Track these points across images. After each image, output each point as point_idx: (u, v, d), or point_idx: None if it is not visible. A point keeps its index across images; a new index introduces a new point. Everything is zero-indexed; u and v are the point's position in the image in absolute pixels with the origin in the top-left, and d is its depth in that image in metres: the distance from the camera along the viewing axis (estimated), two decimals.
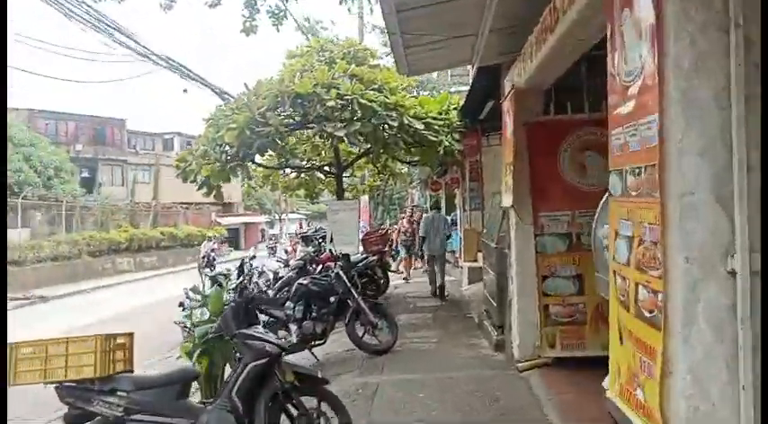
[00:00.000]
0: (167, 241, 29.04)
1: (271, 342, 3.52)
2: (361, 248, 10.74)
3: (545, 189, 5.11)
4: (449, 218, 13.99)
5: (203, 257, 18.59)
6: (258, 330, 3.67)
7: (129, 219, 27.96)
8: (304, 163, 9.82)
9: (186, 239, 31.31)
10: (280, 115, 6.56)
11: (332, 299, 6.51)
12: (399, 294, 11.15)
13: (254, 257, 11.20)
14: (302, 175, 11.12)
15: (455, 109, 8.20)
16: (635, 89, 2.07)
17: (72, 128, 33.12)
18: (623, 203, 2.22)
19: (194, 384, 5.58)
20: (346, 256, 8.97)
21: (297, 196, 12.01)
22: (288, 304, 6.54)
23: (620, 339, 2.26)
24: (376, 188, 18.16)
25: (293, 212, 45.42)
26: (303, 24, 20.96)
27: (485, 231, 8.32)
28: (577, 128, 5.10)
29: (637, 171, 2.06)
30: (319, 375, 3.69)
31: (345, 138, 6.56)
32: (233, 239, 39.06)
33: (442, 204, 18.21)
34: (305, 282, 6.60)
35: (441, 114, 7.81)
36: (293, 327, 6.42)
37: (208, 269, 16.55)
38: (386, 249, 11.29)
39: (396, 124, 6.53)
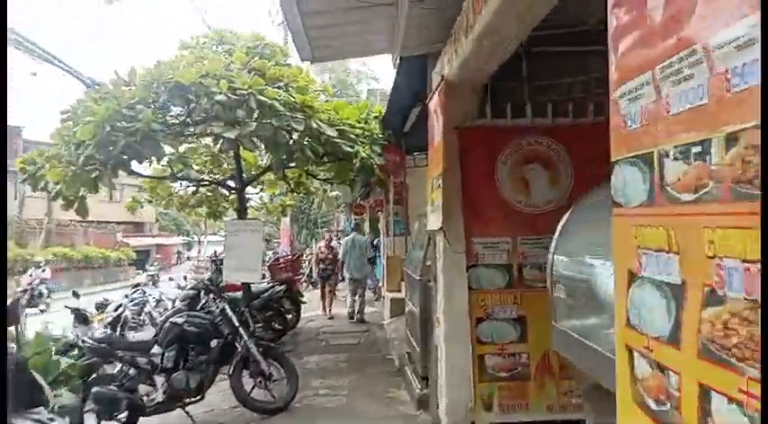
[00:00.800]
0: (61, 263, 25.97)
1: None
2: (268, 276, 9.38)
3: (480, 209, 4.10)
4: (372, 242, 12.97)
5: (25, 290, 14.14)
6: (40, 417, 2.28)
7: (15, 238, 24.65)
8: (204, 176, 8.36)
9: (84, 261, 28.32)
10: (156, 110, 5.19)
11: (213, 343, 5.11)
12: (312, 328, 9.81)
13: (137, 285, 9.49)
14: (201, 190, 9.63)
15: (376, 118, 7.16)
16: None
17: None
18: (653, 218, 1.15)
19: None
20: (246, 286, 7.62)
21: (198, 214, 10.39)
22: (155, 349, 5.08)
23: None
24: (295, 208, 16.77)
25: (214, 234, 42.72)
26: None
27: (407, 258, 7.27)
28: (518, 135, 4.17)
29: (696, 150, 1.00)
30: None
31: (239, 142, 5.30)
32: (142, 262, 35.96)
33: (366, 228, 17.21)
34: (179, 321, 5.17)
35: (359, 123, 6.72)
36: (160, 380, 4.96)
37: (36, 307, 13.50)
38: (297, 276, 9.96)
39: (301, 128, 5.34)
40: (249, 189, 10.34)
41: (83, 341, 5.17)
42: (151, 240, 40.10)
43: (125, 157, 5.48)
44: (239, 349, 5.17)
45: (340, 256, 11.44)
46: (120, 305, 9.03)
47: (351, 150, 6.06)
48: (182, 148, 7.51)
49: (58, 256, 25.96)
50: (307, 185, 9.58)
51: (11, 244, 23.49)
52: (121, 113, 5.19)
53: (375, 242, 14.03)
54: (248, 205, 10.49)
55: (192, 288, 8.46)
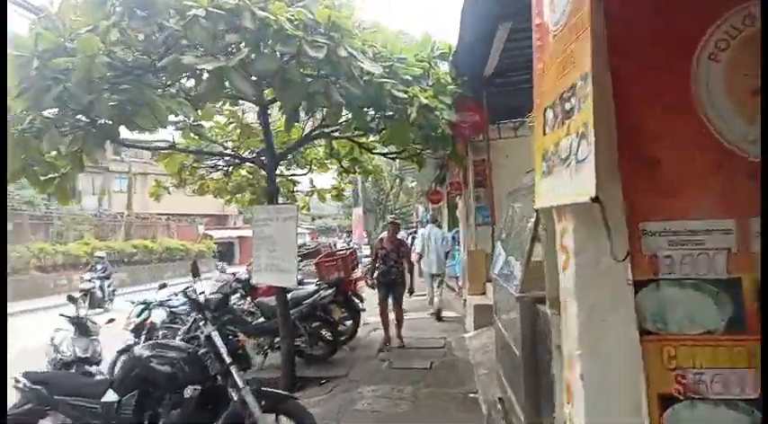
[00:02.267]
0: (141, 255, 26.18)
1: None
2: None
3: (660, 161, 1.91)
4: (450, 235, 11.02)
5: None
6: None
7: (95, 231, 25.00)
8: (229, 151, 6.68)
9: (165, 253, 28.55)
10: (112, 42, 3.45)
11: (189, 390, 3.30)
12: (374, 340, 7.93)
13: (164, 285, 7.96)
14: (241, 172, 8.01)
15: (443, 55, 5.03)
16: None
17: None
18: None
19: None
20: (281, 290, 5.86)
21: (238, 201, 8.81)
22: (109, 395, 3.37)
23: None
24: (371, 199, 15.08)
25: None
26: None
27: (494, 256, 5.13)
28: (735, 5, 1.92)
29: None
30: None
31: (232, 80, 3.45)
32: (224, 253, 36.10)
33: (444, 217, 15.30)
34: (144, 354, 3.42)
35: (420, 61, 4.64)
36: None
37: None
38: (353, 276, 7.99)
39: (321, 55, 3.36)
40: (297, 170, 8.64)
41: (15, 381, 3.57)
42: (234, 232, 40.39)
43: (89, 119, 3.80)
44: (234, 397, 3.34)
45: (417, 250, 9.88)
46: (146, 308, 7.52)
47: (404, 95, 4.00)
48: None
49: (138, 248, 26.19)
50: (364, 163, 7.65)
51: (90, 237, 23.76)
52: (64, 48, 3.49)
53: (454, 234, 12.00)
54: (296, 189, 8.80)
55: (217, 291, 6.84)
